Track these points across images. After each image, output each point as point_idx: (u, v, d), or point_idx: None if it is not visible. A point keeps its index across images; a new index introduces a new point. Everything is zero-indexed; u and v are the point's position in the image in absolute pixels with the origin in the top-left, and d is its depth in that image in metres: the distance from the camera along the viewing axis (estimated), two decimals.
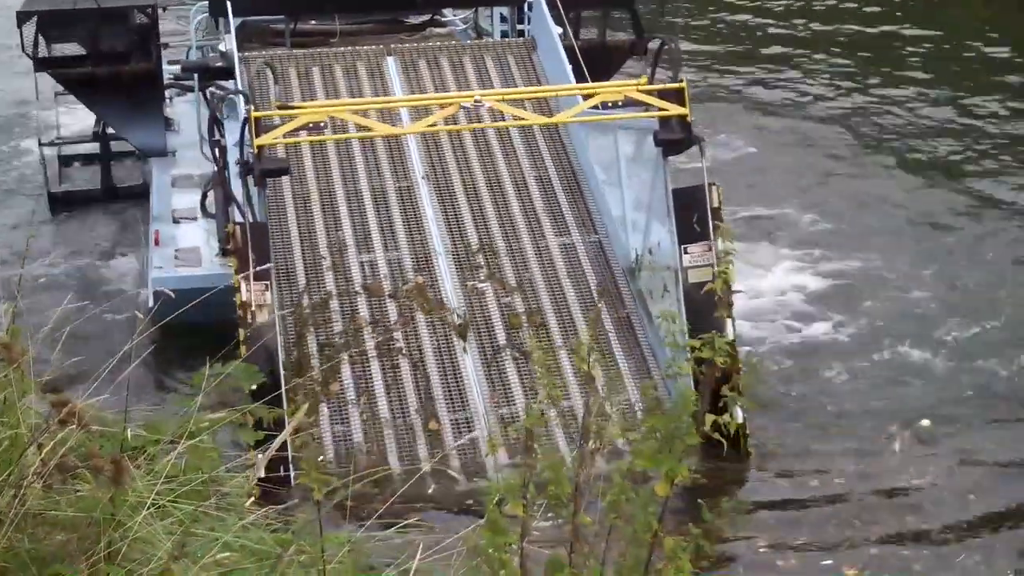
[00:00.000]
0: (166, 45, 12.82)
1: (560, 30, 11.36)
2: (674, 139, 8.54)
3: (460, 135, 10.59)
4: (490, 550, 4.07)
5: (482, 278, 9.48)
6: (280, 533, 4.54)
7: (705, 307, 8.53)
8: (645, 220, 9.29)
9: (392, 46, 11.66)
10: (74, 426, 4.53)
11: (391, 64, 11.40)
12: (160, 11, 12.30)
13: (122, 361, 5.11)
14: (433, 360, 9.03)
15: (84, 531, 4.20)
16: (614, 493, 4.22)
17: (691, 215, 8.58)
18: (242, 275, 7.79)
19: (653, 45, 10.52)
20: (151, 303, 10.14)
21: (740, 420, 8.36)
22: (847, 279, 11.84)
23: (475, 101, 8.02)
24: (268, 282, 7.99)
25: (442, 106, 8.20)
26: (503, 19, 12.37)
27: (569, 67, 10.73)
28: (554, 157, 10.61)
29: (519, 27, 12.09)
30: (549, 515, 4.54)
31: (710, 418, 4.51)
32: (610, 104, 8.43)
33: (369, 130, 8.16)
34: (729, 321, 8.44)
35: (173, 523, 4.29)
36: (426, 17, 12.46)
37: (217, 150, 10.95)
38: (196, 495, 4.61)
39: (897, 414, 9.32)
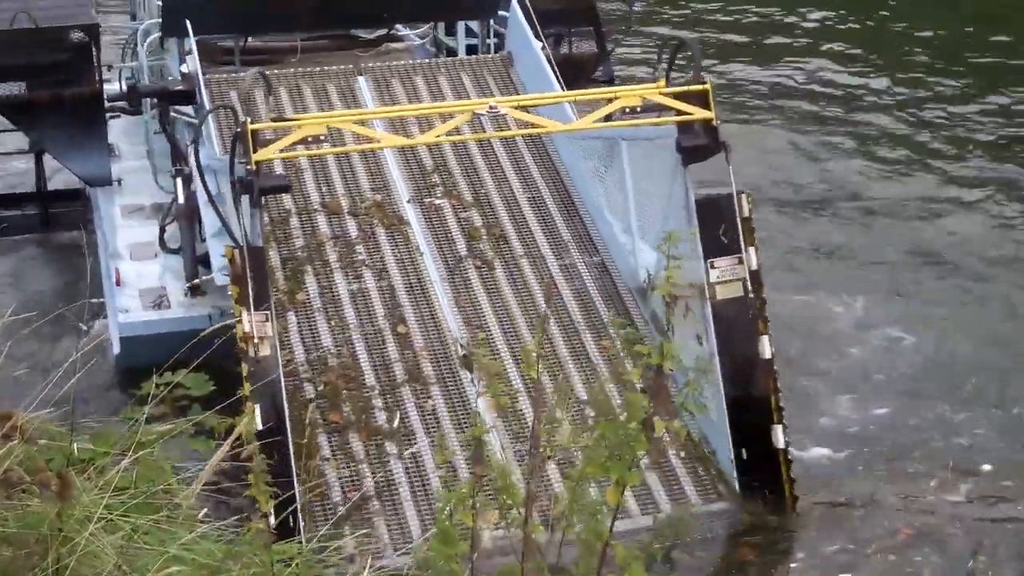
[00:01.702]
0: (110, 66, 12.18)
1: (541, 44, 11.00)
2: (699, 145, 8.13)
3: (445, 157, 10.29)
4: (440, 561, 4.10)
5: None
6: (230, 545, 4.59)
7: (736, 325, 8.21)
8: (659, 236, 8.83)
9: (362, 65, 11.26)
10: (16, 440, 4.55)
11: (363, 83, 11.02)
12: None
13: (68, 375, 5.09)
14: (399, 276, 9.35)
15: (31, 547, 4.19)
16: (565, 501, 4.32)
17: (717, 226, 8.17)
18: (243, 306, 7.21)
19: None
20: (117, 349, 9.60)
21: (781, 444, 7.99)
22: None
23: (489, 108, 7.57)
24: (268, 312, 7.43)
25: (453, 114, 7.69)
26: (469, 33, 11.94)
27: (555, 80, 10.54)
28: (547, 178, 10.32)
29: (488, 41, 11.68)
30: (501, 524, 4.60)
31: (660, 425, 4.45)
32: (627, 110, 7.97)
33: (374, 141, 7.62)
34: (765, 339, 8.06)
35: (122, 537, 4.30)
36: (382, 32, 11.98)
37: (180, 180, 10.44)
38: (147, 508, 4.64)
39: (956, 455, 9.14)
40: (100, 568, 4.17)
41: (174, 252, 10.60)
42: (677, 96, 8.12)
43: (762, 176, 14.34)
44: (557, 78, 10.62)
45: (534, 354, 4.85)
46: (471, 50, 11.91)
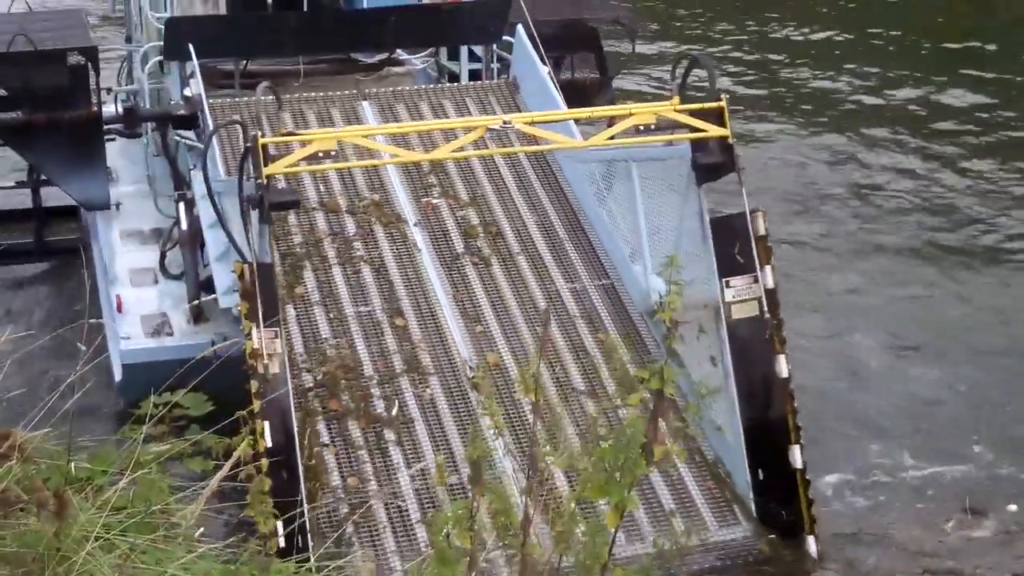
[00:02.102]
0: (108, 89, 12.08)
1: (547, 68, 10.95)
2: (714, 163, 8.07)
3: (451, 181, 10.21)
4: None
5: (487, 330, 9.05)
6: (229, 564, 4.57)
7: (752, 345, 8.13)
8: (671, 256, 8.73)
9: (367, 91, 11.18)
10: (14, 460, 4.55)
11: (367, 108, 10.93)
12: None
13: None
14: (396, 269, 9.45)
15: (29, 566, 4.17)
16: (564, 523, 4.29)
17: (732, 245, 8.10)
18: (253, 322, 7.10)
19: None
20: (119, 377, 9.48)
21: (799, 465, 7.88)
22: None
23: (503, 123, 7.50)
24: (277, 329, 7.32)
25: (467, 130, 7.62)
26: (472, 57, 11.89)
27: (562, 104, 10.42)
28: (553, 201, 10.21)
29: (492, 66, 11.62)
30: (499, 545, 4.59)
31: (660, 450, 4.46)
32: (641, 128, 7.91)
33: (387, 157, 7.51)
34: (782, 358, 7.97)
35: (119, 556, 4.27)
36: (383, 56, 11.92)
37: (183, 205, 10.34)
38: (145, 527, 4.60)
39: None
40: None
41: (175, 278, 10.50)
42: (692, 113, 8.04)
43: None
44: (563, 102, 10.59)
45: (536, 377, 4.74)
46: (474, 75, 11.84)
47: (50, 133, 10.91)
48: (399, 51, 12.10)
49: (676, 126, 8.17)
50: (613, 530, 4.28)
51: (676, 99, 8.17)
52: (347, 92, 11.14)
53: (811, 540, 7.88)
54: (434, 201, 10.00)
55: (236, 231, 8.14)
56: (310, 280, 9.27)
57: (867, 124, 16.99)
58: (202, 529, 4.96)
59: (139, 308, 10.34)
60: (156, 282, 10.75)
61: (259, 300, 7.27)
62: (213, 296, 9.62)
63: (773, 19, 22.13)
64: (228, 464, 5.12)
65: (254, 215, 7.46)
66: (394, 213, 9.92)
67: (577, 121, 10.21)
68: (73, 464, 4.97)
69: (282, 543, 6.93)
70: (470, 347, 8.89)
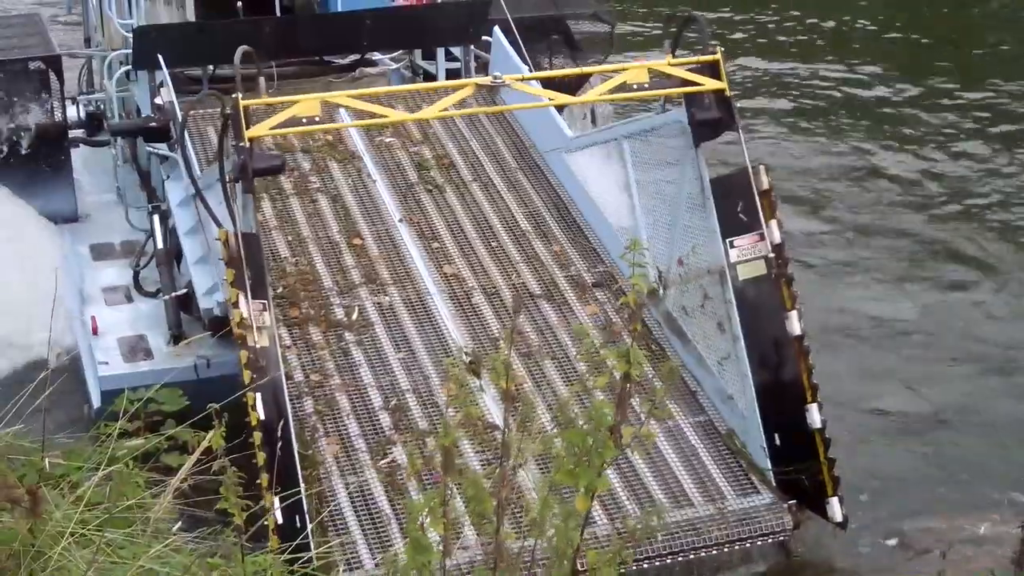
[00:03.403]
0: (73, 99, 11.92)
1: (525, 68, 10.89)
2: (712, 119, 7.93)
3: (432, 175, 10.22)
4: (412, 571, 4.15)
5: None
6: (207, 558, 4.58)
7: (761, 304, 7.96)
8: (669, 227, 8.62)
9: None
10: None
11: (343, 113, 10.79)
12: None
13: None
14: (351, 197, 9.89)
15: (3, 563, 4.19)
16: (536, 509, 4.29)
17: (735, 204, 7.95)
18: (239, 290, 6.91)
19: None
20: (97, 403, 9.25)
21: (818, 424, 7.68)
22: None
23: (494, 78, 7.38)
24: (266, 302, 7.11)
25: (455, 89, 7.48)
26: (449, 57, 11.81)
27: (554, 112, 10.46)
28: (541, 193, 10.20)
29: (471, 67, 11.56)
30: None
31: (628, 431, 4.37)
32: (635, 85, 7.79)
33: (372, 117, 7.36)
34: (794, 315, 7.80)
35: (95, 551, 4.27)
36: (355, 57, 11.83)
37: (156, 218, 10.16)
38: (121, 522, 4.65)
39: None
40: None
41: (151, 295, 10.28)
42: (687, 68, 7.92)
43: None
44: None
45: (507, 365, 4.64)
46: (451, 75, 11.75)
47: (14, 144, 10.74)
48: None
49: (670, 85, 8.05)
50: (584, 513, 4.27)
51: (669, 56, 8.05)
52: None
53: (835, 502, 7.67)
54: (387, 140, 10.47)
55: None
56: (267, 208, 9.54)
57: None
58: (180, 523, 5.00)
59: (115, 330, 10.10)
60: (130, 300, 10.53)
61: (246, 269, 7.05)
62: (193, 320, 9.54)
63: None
64: (195, 454, 4.92)
65: (237, 186, 7.26)
66: (348, 151, 10.36)
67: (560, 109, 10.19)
68: (47, 460, 4.97)
69: (279, 519, 6.71)
70: (427, 261, 9.23)
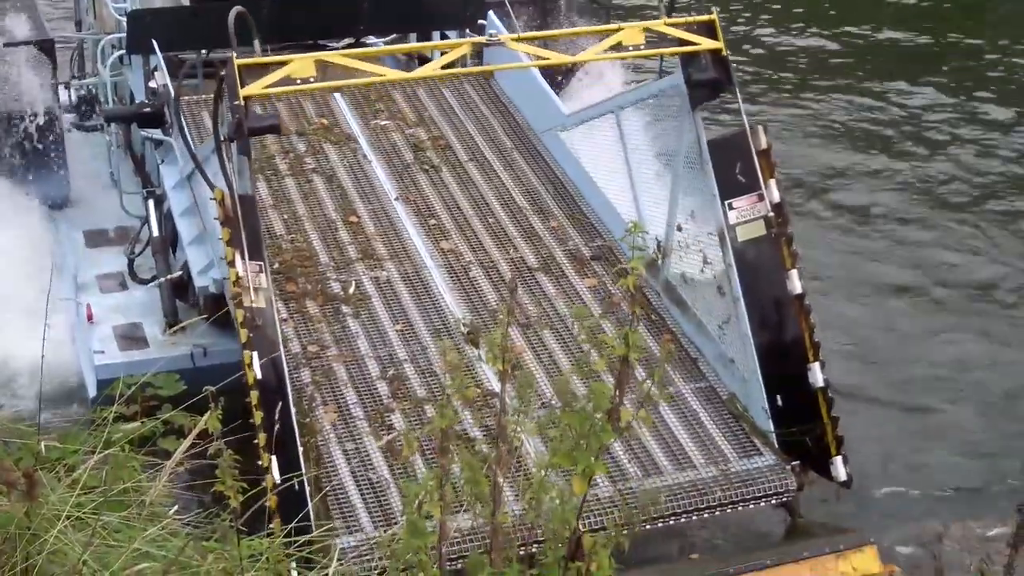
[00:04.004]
0: (66, 84, 11.92)
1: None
2: (708, 79, 7.93)
3: (427, 155, 10.28)
4: (408, 553, 4.20)
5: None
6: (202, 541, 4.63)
7: (761, 265, 7.95)
8: (669, 195, 8.62)
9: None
10: None
11: (339, 100, 10.86)
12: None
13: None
14: (347, 177, 9.93)
15: (0, 546, 4.25)
16: (533, 491, 4.37)
17: (733, 166, 7.95)
18: (236, 248, 6.90)
19: None
20: (93, 392, 9.24)
21: (820, 383, 7.66)
22: None
23: (490, 36, 7.39)
24: (262, 264, 7.10)
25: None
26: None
27: (543, 84, 10.60)
28: (537, 171, 10.23)
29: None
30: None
31: (627, 413, 4.43)
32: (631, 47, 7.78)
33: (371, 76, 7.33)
34: (794, 273, 7.79)
35: (91, 534, 4.35)
36: (351, 41, 11.85)
37: (152, 202, 10.16)
38: (117, 506, 4.71)
39: None
40: (69, 566, 4.22)
41: (145, 283, 10.28)
42: (683, 29, 7.92)
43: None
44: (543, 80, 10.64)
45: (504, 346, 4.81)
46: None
47: (7, 129, 10.74)
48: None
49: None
50: (581, 497, 4.35)
51: (665, 17, 8.06)
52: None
53: (838, 461, 7.64)
54: (382, 123, 10.56)
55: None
56: (263, 188, 9.56)
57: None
58: (177, 507, 5.04)
59: (110, 318, 10.10)
60: (125, 288, 10.53)
61: (242, 229, 7.04)
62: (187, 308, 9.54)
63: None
64: (191, 437, 5.09)
65: (233, 148, 7.25)
66: (343, 133, 10.45)
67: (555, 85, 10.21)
68: (43, 444, 5.05)
69: (277, 478, 6.69)
70: (424, 237, 9.26)
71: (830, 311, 10.93)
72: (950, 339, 11.17)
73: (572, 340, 8.44)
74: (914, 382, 10.49)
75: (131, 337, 9.89)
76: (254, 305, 7.05)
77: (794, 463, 7.70)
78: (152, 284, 10.14)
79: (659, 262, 8.81)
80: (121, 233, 11.04)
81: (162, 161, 10.19)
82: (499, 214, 9.64)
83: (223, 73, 7.21)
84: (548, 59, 7.57)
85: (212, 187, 7.79)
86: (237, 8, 7.41)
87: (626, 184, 9.22)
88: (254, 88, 7.07)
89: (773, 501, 7.67)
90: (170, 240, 10.15)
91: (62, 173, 11.32)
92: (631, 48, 7.90)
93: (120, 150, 11.27)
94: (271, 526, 6.55)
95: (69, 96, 12.02)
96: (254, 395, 6.81)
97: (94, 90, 11.78)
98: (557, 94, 11.20)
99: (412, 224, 9.45)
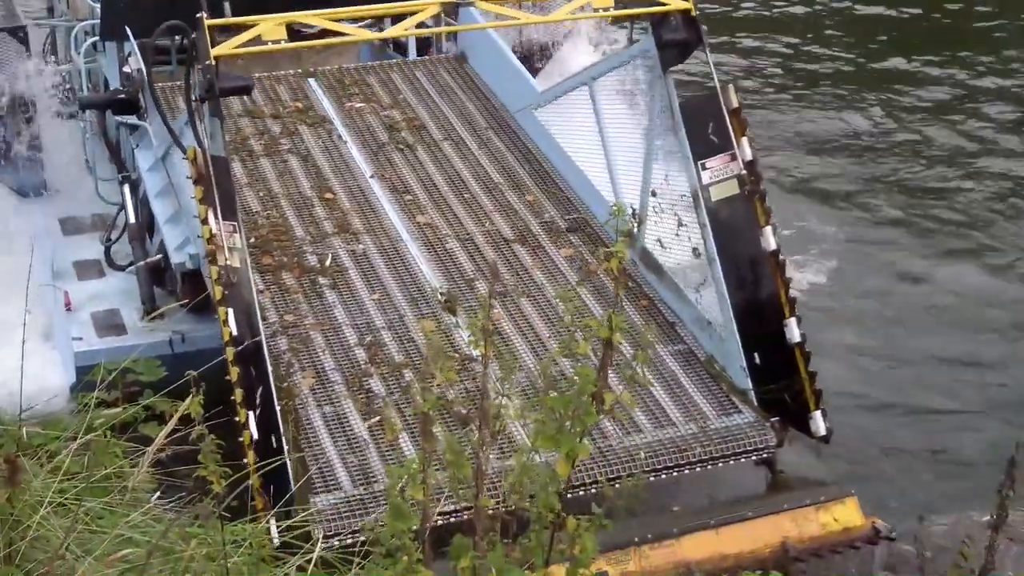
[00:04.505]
0: (40, 69, 11.93)
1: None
2: (678, 39, 8.00)
3: (401, 144, 10.31)
4: (391, 536, 4.21)
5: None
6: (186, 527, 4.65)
7: (735, 224, 8.00)
8: (643, 160, 8.67)
9: (312, 68, 11.17)
10: None
11: (313, 85, 10.91)
12: None
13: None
14: (323, 157, 10.00)
15: None
16: (515, 475, 4.34)
17: (705, 126, 8.00)
18: (208, 206, 6.92)
19: None
20: (72, 379, 9.24)
21: (797, 339, 7.70)
22: None
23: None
24: (236, 224, 7.12)
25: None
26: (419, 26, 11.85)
27: (520, 65, 10.72)
28: (512, 149, 10.28)
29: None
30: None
31: (610, 397, 4.42)
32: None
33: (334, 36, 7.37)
34: (768, 230, 7.84)
35: (74, 520, 4.35)
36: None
37: (127, 188, 10.17)
38: (99, 492, 4.75)
39: None
40: (51, 551, 4.21)
41: (122, 269, 10.28)
42: None
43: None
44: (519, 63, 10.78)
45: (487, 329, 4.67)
46: (421, 43, 11.86)
47: None
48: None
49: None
50: (565, 479, 4.32)
51: None
52: (293, 72, 11.15)
53: (818, 416, 7.68)
54: (357, 105, 10.62)
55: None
56: (237, 169, 9.56)
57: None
58: (158, 493, 5.08)
59: (88, 305, 10.09)
60: (103, 275, 10.52)
61: (215, 188, 7.06)
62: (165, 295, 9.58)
63: None
64: (172, 422, 5.02)
65: (205, 109, 7.28)
66: (318, 116, 10.50)
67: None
68: (25, 431, 5.12)
69: (255, 435, 6.71)
70: (400, 212, 9.31)
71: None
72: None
73: (550, 308, 8.48)
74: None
75: (109, 324, 9.87)
76: (228, 263, 7.07)
77: (773, 420, 7.73)
78: (129, 270, 10.14)
79: (635, 230, 8.85)
80: (97, 220, 11.03)
81: (137, 146, 10.20)
82: (474, 189, 9.68)
83: (194, 35, 7.25)
84: (518, 19, 7.58)
85: (181, 148, 7.80)
86: None
87: (601, 155, 9.27)
88: (225, 48, 7.11)
89: (753, 458, 7.70)
90: (146, 225, 10.15)
91: (36, 160, 11.32)
92: (601, 10, 8.00)
93: (95, 137, 11.28)
94: (249, 483, 6.64)
95: (42, 83, 12.02)
96: (230, 351, 6.83)
97: (67, 77, 11.79)
98: (534, 76, 11.27)
99: (388, 200, 9.49)
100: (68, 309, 9.99)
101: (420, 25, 7.60)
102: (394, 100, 10.79)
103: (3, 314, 9.68)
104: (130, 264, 10.13)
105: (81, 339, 9.63)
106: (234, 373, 6.79)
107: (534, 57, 12.49)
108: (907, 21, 19.98)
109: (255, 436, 6.71)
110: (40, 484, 4.50)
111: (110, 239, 10.46)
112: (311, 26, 11.66)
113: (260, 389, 6.85)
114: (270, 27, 7.23)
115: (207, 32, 7.06)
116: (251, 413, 6.73)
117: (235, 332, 6.87)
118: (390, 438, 7.45)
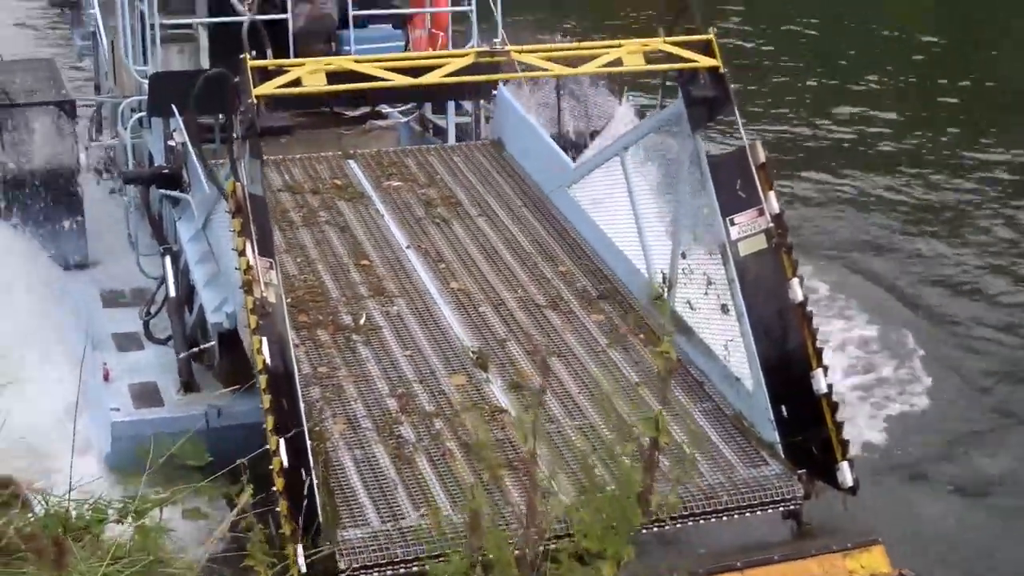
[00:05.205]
0: (86, 146, 12.31)
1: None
2: (708, 97, 8.22)
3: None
4: None
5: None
6: None
7: (763, 278, 8.14)
8: (672, 224, 8.87)
9: (351, 151, 11.58)
10: (16, 508, 4.77)
11: (353, 166, 11.26)
12: None
13: None
14: (360, 229, 10.30)
15: None
16: (561, 572, 4.36)
17: (733, 182, 8.20)
18: (246, 237, 7.14)
19: None
20: (107, 449, 9.40)
21: (824, 389, 7.77)
22: None
23: (493, 44, 7.71)
24: (272, 261, 7.33)
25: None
26: (460, 111, 12.22)
27: (557, 150, 10.96)
28: (545, 224, 10.54)
29: (481, 122, 11.98)
30: None
31: (655, 498, 4.59)
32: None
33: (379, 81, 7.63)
34: (795, 282, 7.97)
35: None
36: (367, 109, 12.21)
37: (168, 259, 10.42)
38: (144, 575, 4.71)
39: None
40: None
41: (161, 343, 10.48)
42: (681, 47, 8.23)
43: None
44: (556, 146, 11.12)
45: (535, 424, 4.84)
46: (460, 128, 12.18)
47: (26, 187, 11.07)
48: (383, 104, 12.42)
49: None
50: None
51: (663, 35, 8.36)
52: (332, 153, 11.49)
53: (844, 467, 7.69)
54: (395, 184, 10.98)
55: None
56: (276, 236, 9.56)
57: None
58: None
59: (126, 376, 10.28)
60: (141, 347, 10.72)
61: (252, 221, 7.27)
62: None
63: None
64: (234, 513, 5.20)
65: (245, 149, 7.52)
66: (356, 192, 10.86)
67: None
68: (72, 511, 5.04)
69: (285, 461, 6.82)
70: (434, 279, 9.53)
71: None
72: None
73: (579, 364, 8.62)
74: None
75: (146, 396, 10.04)
76: (264, 296, 7.26)
77: (800, 472, 7.78)
78: (167, 343, 10.34)
79: (665, 294, 9.00)
80: (138, 294, 11.27)
81: (179, 218, 10.49)
82: (507, 259, 9.90)
83: (237, 79, 7.54)
84: (549, 71, 7.85)
85: (222, 191, 8.02)
86: (252, 18, 7.75)
87: (632, 223, 9.46)
88: (266, 88, 7.37)
89: (780, 509, 7.72)
90: (186, 299, 10.37)
91: (80, 233, 11.60)
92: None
93: (138, 212, 11.58)
94: (278, 509, 6.75)
95: (87, 157, 12.39)
96: (263, 379, 6.98)
97: (112, 152, 12.15)
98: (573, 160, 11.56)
99: (422, 267, 9.73)
100: (106, 380, 10.18)
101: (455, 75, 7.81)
102: (431, 180, 11.11)
103: (41, 383, 9.99)
104: (168, 338, 10.32)
105: (118, 409, 9.79)
106: (266, 401, 6.93)
107: (570, 147, 12.74)
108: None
109: (285, 463, 6.82)
110: (86, 567, 4.51)
111: (149, 312, 10.68)
112: (350, 108, 12.27)
113: (291, 417, 6.97)
114: (310, 71, 7.50)
115: (249, 73, 7.34)
116: (282, 440, 6.84)
117: (268, 361, 7.02)
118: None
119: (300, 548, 6.66)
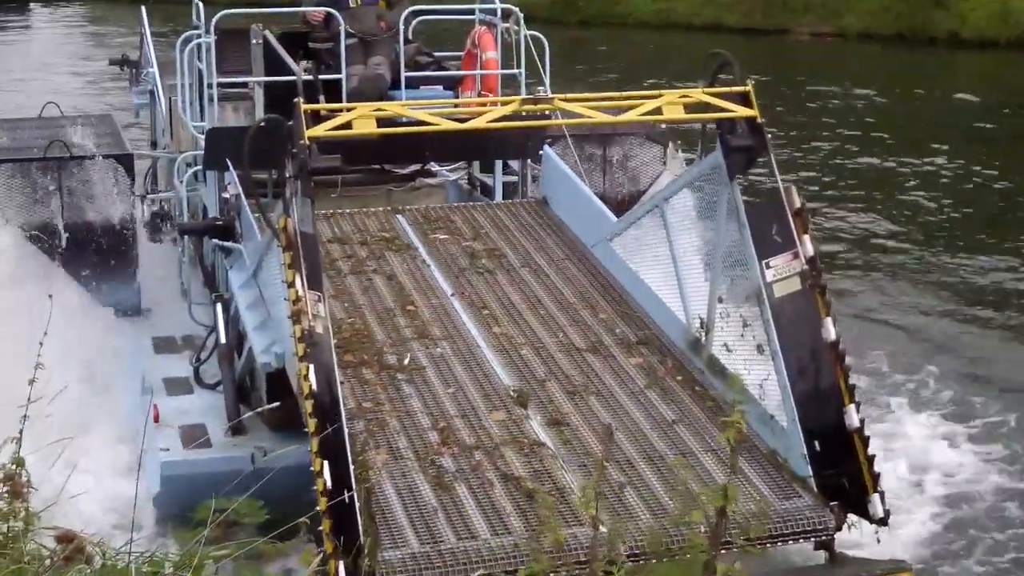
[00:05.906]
0: (143, 196, 12.79)
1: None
2: (745, 146, 8.55)
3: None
4: None
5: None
6: None
7: (797, 318, 8.40)
8: (711, 271, 9.17)
9: (400, 206, 11.92)
10: (82, 563, 4.85)
11: (400, 220, 11.64)
12: None
13: None
14: (406, 278, 10.70)
15: None
16: None
17: (769, 227, 8.50)
18: (295, 270, 7.49)
19: None
20: (157, 488, 9.73)
21: (856, 424, 8.01)
22: None
23: (538, 91, 8.08)
24: (320, 295, 7.68)
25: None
26: (506, 171, 12.60)
27: (603, 209, 11.30)
28: (587, 275, 10.88)
29: (528, 181, 12.36)
30: None
31: (721, 569, 4.81)
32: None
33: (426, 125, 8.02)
34: (828, 320, 8.24)
35: None
36: (416, 167, 12.61)
37: (220, 307, 10.79)
38: None
39: None
40: None
41: (211, 387, 10.83)
42: (720, 98, 8.58)
43: None
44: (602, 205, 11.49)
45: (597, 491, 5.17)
46: (507, 187, 12.54)
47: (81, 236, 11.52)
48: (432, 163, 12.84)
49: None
50: None
51: (703, 87, 8.72)
52: (381, 209, 11.91)
53: (875, 499, 7.92)
54: (441, 236, 11.43)
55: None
56: (324, 283, 9.92)
57: None
58: None
59: (176, 419, 10.63)
60: (191, 392, 11.08)
61: (302, 256, 7.63)
62: (250, 413, 10.10)
63: None
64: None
65: (297, 188, 7.90)
66: (403, 244, 11.30)
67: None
68: (133, 567, 5.19)
69: (329, 484, 7.10)
70: (477, 325, 9.89)
71: None
72: None
73: (616, 403, 8.91)
74: None
75: (195, 437, 10.36)
76: (312, 326, 7.60)
77: (832, 504, 7.99)
78: (216, 388, 10.69)
79: (703, 339, 9.29)
80: (189, 341, 11.65)
81: (231, 267, 10.89)
82: (549, 307, 10.24)
83: (290, 122, 7.95)
84: (592, 118, 8.20)
85: (272, 228, 8.39)
86: (306, 77, 8.15)
87: (672, 271, 9.77)
88: (318, 130, 7.78)
89: (812, 539, 7.94)
90: (235, 346, 10.74)
91: (133, 282, 12.02)
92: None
93: (191, 262, 12.00)
94: (320, 529, 7.03)
95: (142, 210, 12.87)
96: (308, 404, 7.30)
97: (166, 205, 12.61)
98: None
99: (466, 313, 10.08)
100: (156, 422, 10.53)
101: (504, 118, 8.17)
102: (476, 233, 11.50)
103: (94, 427, 10.35)
104: (218, 383, 10.67)
105: (168, 450, 10.14)
106: (311, 424, 7.24)
107: (614, 204, 13.08)
108: None
109: (328, 484, 7.11)
110: None
111: (199, 359, 11.06)
112: (403, 167, 12.69)
113: (335, 439, 7.27)
114: (361, 115, 7.90)
115: (303, 115, 7.75)
116: (326, 463, 7.14)
117: (315, 387, 7.34)
118: None
119: (342, 565, 6.94)
